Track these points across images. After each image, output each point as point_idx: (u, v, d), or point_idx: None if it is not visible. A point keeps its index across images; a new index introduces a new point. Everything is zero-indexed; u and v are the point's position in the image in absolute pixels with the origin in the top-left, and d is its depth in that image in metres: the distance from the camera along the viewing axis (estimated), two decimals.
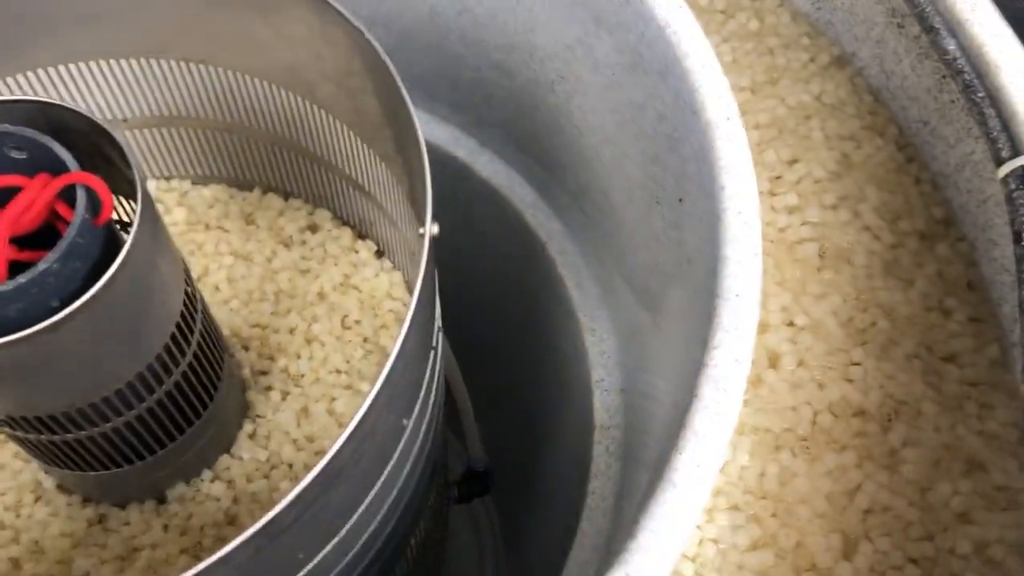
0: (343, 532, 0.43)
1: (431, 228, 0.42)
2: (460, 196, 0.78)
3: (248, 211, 0.66)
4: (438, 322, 0.51)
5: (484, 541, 1.03)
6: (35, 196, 0.38)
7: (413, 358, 0.44)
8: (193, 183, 0.68)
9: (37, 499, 0.55)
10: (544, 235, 0.73)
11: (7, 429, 0.45)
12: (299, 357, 0.60)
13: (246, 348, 0.60)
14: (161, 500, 0.55)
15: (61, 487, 0.54)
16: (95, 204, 0.39)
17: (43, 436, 0.45)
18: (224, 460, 0.56)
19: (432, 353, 0.49)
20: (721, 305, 0.43)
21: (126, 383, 0.43)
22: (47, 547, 0.53)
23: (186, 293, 0.46)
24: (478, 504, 1.05)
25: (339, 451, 0.36)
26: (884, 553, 0.50)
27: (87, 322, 0.38)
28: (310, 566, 0.42)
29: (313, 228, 0.66)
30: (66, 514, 0.54)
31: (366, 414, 0.37)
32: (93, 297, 0.37)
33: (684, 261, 0.55)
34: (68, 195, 0.38)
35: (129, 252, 0.39)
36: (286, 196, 0.67)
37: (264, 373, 0.60)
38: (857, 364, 0.56)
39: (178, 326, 0.45)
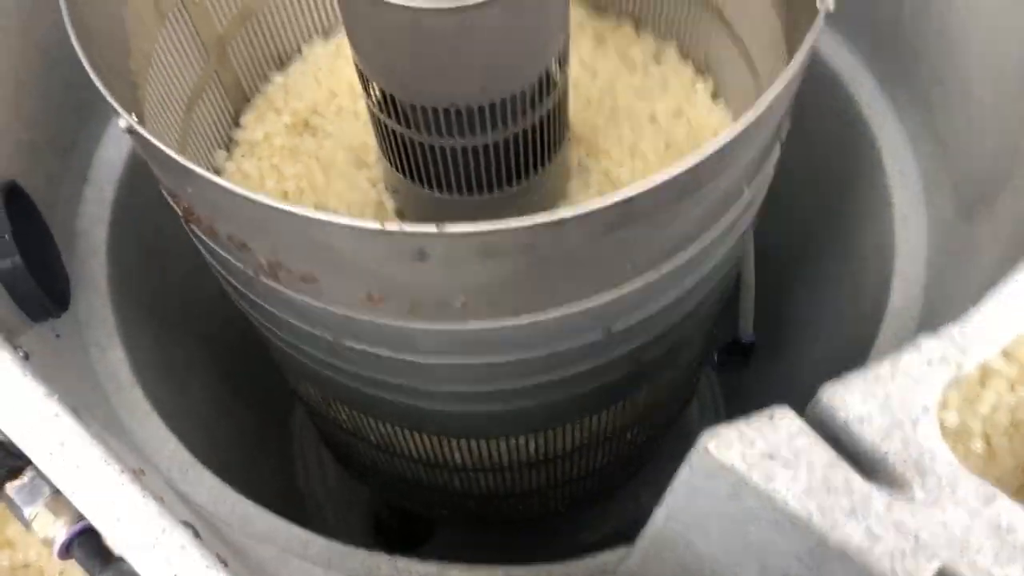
0: (662, 270, 0.46)
1: (828, 3, 0.43)
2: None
3: (601, 33, 0.70)
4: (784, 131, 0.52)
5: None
6: None
7: (766, 129, 0.46)
8: None
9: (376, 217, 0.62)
10: (876, 125, 0.71)
11: (389, 119, 0.51)
12: (621, 166, 0.64)
13: (577, 143, 0.64)
14: None
15: (399, 212, 0.61)
16: None
17: (421, 134, 0.51)
18: None
19: (771, 153, 0.51)
20: None
21: (500, 99, 0.48)
22: None
23: (561, 42, 0.50)
24: (720, 381, 1.06)
25: (701, 163, 0.39)
26: None
27: (501, 10, 0.43)
28: (627, 290, 0.45)
29: (658, 58, 0.69)
30: None
31: (734, 139, 0.39)
32: None
33: None
34: None
35: None
36: (637, 25, 0.70)
37: (587, 169, 0.64)
38: None
39: (557, 59, 0.49)
